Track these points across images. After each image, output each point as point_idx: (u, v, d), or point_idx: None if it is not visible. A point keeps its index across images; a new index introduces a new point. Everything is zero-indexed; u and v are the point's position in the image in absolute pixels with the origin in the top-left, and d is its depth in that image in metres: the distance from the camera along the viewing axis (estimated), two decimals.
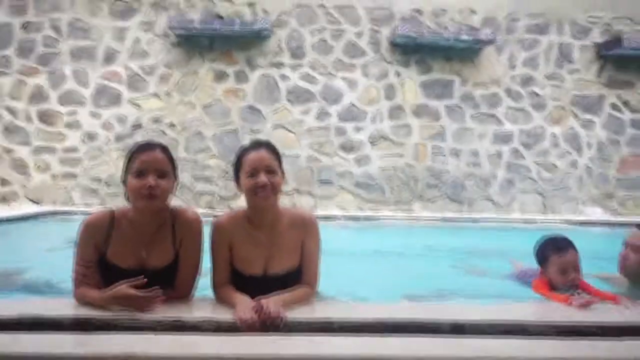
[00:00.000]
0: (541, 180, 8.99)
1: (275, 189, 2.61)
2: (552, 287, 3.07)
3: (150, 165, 2.50)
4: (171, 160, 2.61)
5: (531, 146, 9.02)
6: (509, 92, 9.04)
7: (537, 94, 9.06)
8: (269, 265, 2.65)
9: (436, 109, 8.97)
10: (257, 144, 2.73)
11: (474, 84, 9.02)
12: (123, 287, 2.34)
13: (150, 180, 2.46)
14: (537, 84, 9.08)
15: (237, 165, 2.71)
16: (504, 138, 8.99)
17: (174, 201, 2.69)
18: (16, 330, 2.19)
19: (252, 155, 2.63)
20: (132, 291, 2.33)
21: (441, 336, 2.19)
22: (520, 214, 8.75)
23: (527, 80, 9.06)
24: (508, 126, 9.01)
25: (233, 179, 2.78)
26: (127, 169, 2.56)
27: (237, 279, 2.65)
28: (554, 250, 3.12)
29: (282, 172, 2.70)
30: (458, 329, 2.28)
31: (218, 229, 2.68)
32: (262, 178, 2.56)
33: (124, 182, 2.57)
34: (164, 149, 2.61)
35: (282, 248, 2.66)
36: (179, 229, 2.59)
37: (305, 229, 2.71)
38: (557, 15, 9.15)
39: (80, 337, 2.13)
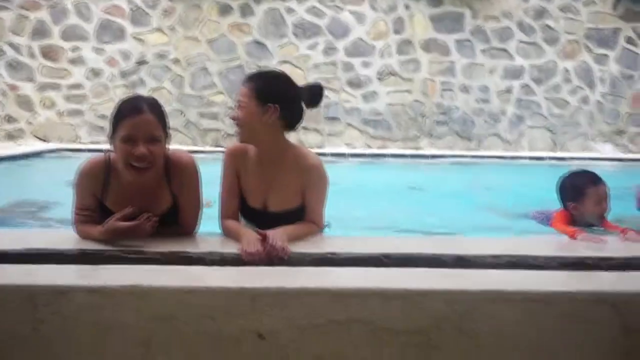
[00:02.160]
0: (551, 116, 8.87)
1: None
2: (573, 221, 3.15)
3: (140, 130, 2.34)
4: (162, 120, 2.45)
5: (542, 81, 8.85)
6: (521, 25, 8.80)
7: (550, 27, 8.82)
8: (268, 201, 2.65)
9: (446, 43, 8.76)
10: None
11: (485, 17, 8.77)
12: (112, 222, 2.33)
13: (141, 148, 2.33)
14: (550, 17, 8.81)
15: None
16: (515, 73, 8.82)
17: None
18: (23, 262, 2.21)
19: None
20: (120, 223, 2.32)
21: (445, 269, 2.19)
22: (529, 151, 8.67)
23: (540, 13, 8.81)
24: (519, 61, 8.82)
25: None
26: (114, 130, 2.40)
27: (244, 210, 2.68)
28: (590, 182, 3.23)
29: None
30: (462, 262, 2.27)
31: (228, 156, 2.69)
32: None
33: (111, 140, 2.44)
34: (153, 107, 2.43)
35: (281, 187, 2.63)
36: (174, 174, 2.51)
37: (307, 174, 2.63)
38: None
39: (86, 269, 2.14)
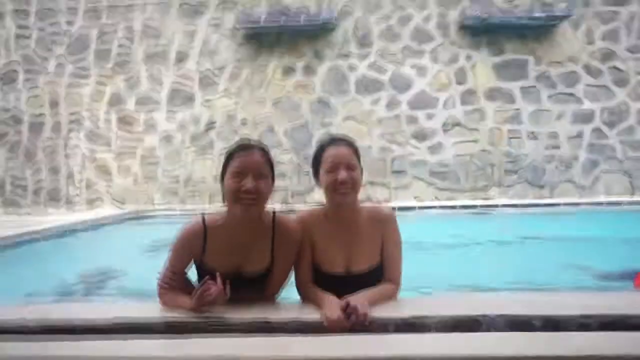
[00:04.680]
0: (627, 159, 8.54)
1: (355, 185, 2.57)
2: None
3: (249, 165, 2.45)
4: (269, 161, 2.55)
5: (615, 124, 8.58)
6: (587, 68, 8.64)
7: (618, 69, 8.61)
8: (351, 264, 2.61)
9: (510, 91, 8.68)
10: (336, 140, 2.69)
11: (549, 62, 8.67)
12: (204, 294, 2.34)
13: (249, 181, 2.43)
14: (618, 59, 8.62)
15: (317, 162, 2.67)
16: (585, 117, 8.61)
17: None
18: (111, 334, 2.27)
19: (332, 151, 2.60)
20: (210, 296, 2.33)
21: (536, 333, 2.10)
22: (606, 196, 8.34)
23: (607, 55, 8.63)
24: (588, 104, 8.61)
25: (312, 175, 2.75)
26: (224, 168, 2.52)
27: (319, 278, 2.62)
28: None
29: (361, 168, 2.65)
30: (550, 325, 2.18)
31: (301, 224, 2.64)
32: (343, 174, 2.52)
33: (222, 181, 2.54)
34: (263, 150, 2.55)
35: (363, 245, 2.61)
36: (279, 238, 2.56)
37: (384, 225, 2.65)
38: None
39: (171, 341, 2.17)
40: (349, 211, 2.64)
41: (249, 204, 2.44)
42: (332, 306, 2.30)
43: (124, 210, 8.40)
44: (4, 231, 5.90)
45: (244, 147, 2.54)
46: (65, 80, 9.06)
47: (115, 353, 2.05)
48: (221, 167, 2.56)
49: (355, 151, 2.64)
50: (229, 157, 2.53)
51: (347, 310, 2.24)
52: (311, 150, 8.98)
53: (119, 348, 2.10)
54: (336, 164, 2.54)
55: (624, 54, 8.62)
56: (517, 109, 8.66)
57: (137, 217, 8.01)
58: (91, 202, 8.97)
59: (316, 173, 2.67)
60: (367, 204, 2.77)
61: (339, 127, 8.67)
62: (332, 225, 2.64)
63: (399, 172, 8.66)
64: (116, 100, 9.01)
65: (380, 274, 2.64)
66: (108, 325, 2.34)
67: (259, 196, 2.45)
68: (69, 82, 9.07)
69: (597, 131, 8.60)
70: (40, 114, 9.13)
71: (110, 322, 2.35)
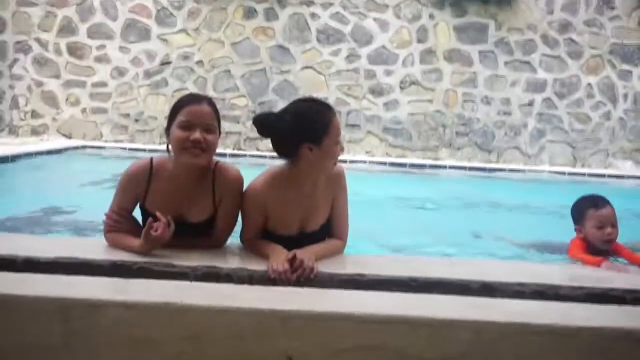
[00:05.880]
0: (572, 131, 8.82)
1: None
2: (589, 249, 3.06)
3: (197, 118, 2.47)
4: (217, 114, 2.58)
5: (564, 95, 8.81)
6: (545, 38, 8.77)
7: (574, 41, 8.77)
8: (305, 225, 2.63)
9: (469, 53, 8.75)
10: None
11: (509, 29, 8.76)
12: (150, 234, 2.36)
13: (197, 134, 2.44)
14: (574, 31, 8.77)
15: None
16: (537, 87, 8.79)
17: None
18: (54, 272, 2.25)
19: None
20: (158, 236, 2.36)
21: (472, 297, 2.20)
22: (549, 165, 8.64)
23: (564, 27, 8.77)
24: (542, 74, 8.78)
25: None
26: (172, 119, 2.53)
27: (270, 239, 2.59)
28: (591, 205, 3.13)
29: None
30: (488, 290, 2.28)
31: (252, 197, 2.58)
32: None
33: (167, 132, 2.56)
34: (211, 103, 2.57)
35: (318, 205, 2.64)
36: (220, 186, 2.57)
37: (336, 182, 2.67)
38: None
39: (120, 283, 2.17)
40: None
41: (196, 154, 2.46)
42: (279, 258, 2.34)
43: (71, 142, 8.19)
44: None
45: (192, 99, 2.57)
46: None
47: (57, 292, 2.04)
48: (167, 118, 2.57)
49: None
50: (177, 108, 2.53)
51: (293, 262, 2.29)
52: (267, 97, 8.89)
53: (62, 286, 2.10)
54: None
55: (580, 27, 8.77)
56: (474, 72, 8.76)
57: (84, 147, 7.84)
58: (36, 132, 8.67)
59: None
60: None
61: (296, 75, 8.60)
62: (291, 188, 2.59)
63: (353, 126, 8.70)
64: (67, 28, 8.62)
65: (328, 229, 2.69)
66: (50, 262, 2.32)
67: (207, 147, 2.48)
68: (17, 1, 8.60)
69: (547, 101, 8.81)
70: None
71: (52, 259, 2.33)
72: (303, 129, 2.49)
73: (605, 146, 8.84)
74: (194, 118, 2.47)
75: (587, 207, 3.14)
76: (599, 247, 3.05)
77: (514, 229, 4.34)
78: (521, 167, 8.41)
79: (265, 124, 2.52)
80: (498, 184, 7.50)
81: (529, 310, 2.10)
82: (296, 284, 2.24)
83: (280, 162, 2.65)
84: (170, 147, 2.55)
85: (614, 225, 3.08)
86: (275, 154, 2.64)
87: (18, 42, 8.63)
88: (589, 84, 8.82)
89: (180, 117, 2.49)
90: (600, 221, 3.07)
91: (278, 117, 2.54)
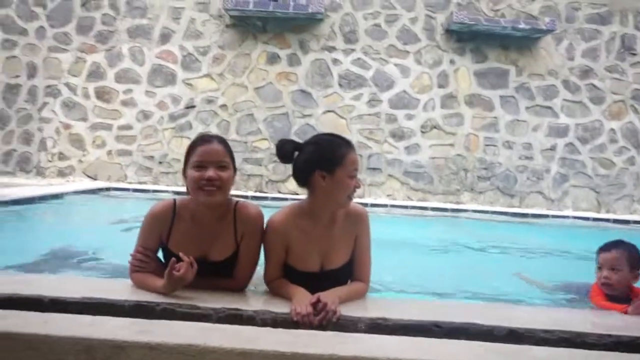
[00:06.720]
0: (596, 176, 8.75)
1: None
2: (606, 294, 3.01)
3: (209, 157, 2.54)
4: (230, 152, 2.63)
5: (587, 140, 8.77)
6: (566, 83, 8.80)
7: (595, 87, 8.79)
8: (326, 262, 2.64)
9: (490, 98, 8.80)
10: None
11: (530, 74, 8.81)
12: (174, 274, 2.37)
13: (211, 172, 2.50)
14: (596, 77, 8.79)
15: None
16: (559, 131, 8.78)
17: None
18: (79, 312, 2.27)
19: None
20: (181, 275, 2.37)
21: (497, 343, 2.17)
22: (573, 210, 8.54)
23: (585, 72, 8.80)
24: (563, 119, 8.78)
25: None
26: (187, 162, 2.60)
27: (292, 276, 2.62)
28: (601, 248, 3.10)
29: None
30: (513, 336, 2.25)
31: (273, 230, 2.62)
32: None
33: (184, 174, 2.62)
34: (222, 141, 2.64)
35: (339, 243, 2.65)
36: (241, 224, 2.61)
37: (358, 223, 2.70)
38: (620, 5, 8.82)
39: (144, 324, 2.18)
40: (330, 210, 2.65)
41: (212, 192, 2.51)
42: (302, 300, 2.34)
43: (96, 183, 8.32)
44: None
45: (202, 140, 2.63)
46: (44, 45, 8.89)
47: (83, 332, 2.05)
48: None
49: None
50: (190, 151, 2.61)
51: (317, 305, 2.28)
52: None
53: (87, 326, 2.11)
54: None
55: (601, 73, 8.80)
56: (495, 117, 8.79)
57: (109, 189, 7.95)
58: (62, 173, 8.84)
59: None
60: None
61: (318, 119, 8.70)
62: (310, 223, 2.63)
63: (374, 170, 8.73)
64: (95, 73, 8.87)
65: (351, 269, 2.69)
66: (76, 303, 2.34)
67: (222, 184, 2.53)
68: (49, 47, 8.89)
69: (570, 146, 8.78)
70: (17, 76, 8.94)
71: (78, 300, 2.35)
72: (319, 156, 2.57)
73: (630, 191, 8.74)
74: (206, 157, 2.54)
75: (599, 250, 3.12)
76: (612, 293, 2.98)
77: (541, 273, 4.28)
78: (544, 211, 8.32)
79: (287, 147, 2.62)
80: (521, 228, 7.41)
81: (555, 357, 2.07)
82: (319, 327, 2.23)
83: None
84: (188, 188, 2.60)
85: (613, 268, 3.00)
86: (296, 196, 2.68)
87: (48, 87, 8.88)
88: (612, 129, 8.79)
89: (194, 158, 2.55)
90: (600, 263, 3.04)
91: (299, 142, 2.66)
